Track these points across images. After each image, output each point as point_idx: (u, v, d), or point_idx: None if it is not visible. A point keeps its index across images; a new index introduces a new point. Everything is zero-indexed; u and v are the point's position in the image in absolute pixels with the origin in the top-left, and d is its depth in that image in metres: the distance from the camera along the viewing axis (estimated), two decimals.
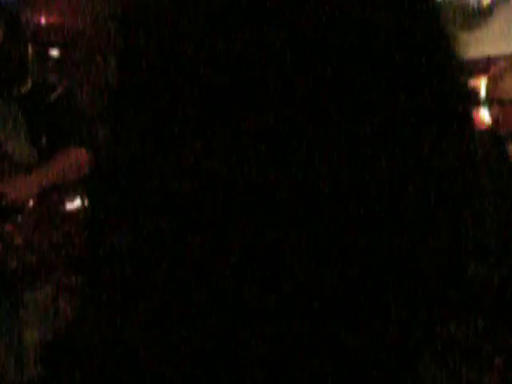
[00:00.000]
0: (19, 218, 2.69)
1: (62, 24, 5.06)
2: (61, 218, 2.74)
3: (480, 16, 5.13)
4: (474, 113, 0.63)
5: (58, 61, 5.03)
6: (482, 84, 3.35)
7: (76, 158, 2.86)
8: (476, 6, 5.12)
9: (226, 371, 0.54)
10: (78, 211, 2.80)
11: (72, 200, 2.81)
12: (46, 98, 2.86)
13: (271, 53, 0.55)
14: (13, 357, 2.79)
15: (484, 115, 3.42)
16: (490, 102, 3.20)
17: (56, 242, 2.70)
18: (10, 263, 2.62)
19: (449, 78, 0.59)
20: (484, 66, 3.33)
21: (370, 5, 0.55)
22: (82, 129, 2.91)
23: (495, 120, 3.21)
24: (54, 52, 5.10)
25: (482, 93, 3.29)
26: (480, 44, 5.05)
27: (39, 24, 4.92)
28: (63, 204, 2.79)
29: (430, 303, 0.57)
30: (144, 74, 0.57)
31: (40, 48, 4.73)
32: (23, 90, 2.82)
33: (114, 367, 0.55)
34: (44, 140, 2.84)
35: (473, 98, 0.59)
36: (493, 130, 3.27)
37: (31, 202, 2.74)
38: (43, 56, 4.87)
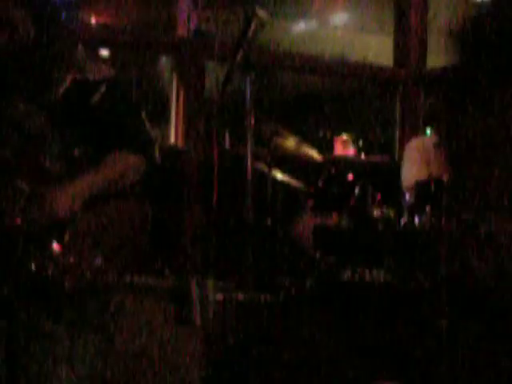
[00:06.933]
0: (67, 235, 2.50)
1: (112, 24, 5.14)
2: (113, 225, 2.55)
3: None
4: None
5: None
6: None
7: (130, 163, 2.62)
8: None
9: None
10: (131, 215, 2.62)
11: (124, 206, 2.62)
12: (88, 100, 2.61)
13: None
14: None
15: None
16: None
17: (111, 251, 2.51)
18: (67, 284, 2.44)
19: None
20: None
21: None
22: (135, 131, 2.65)
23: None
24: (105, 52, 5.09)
25: None
26: None
27: (89, 23, 4.97)
28: (113, 211, 2.58)
29: None
30: None
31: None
32: (58, 92, 2.59)
33: None
34: (77, 148, 2.60)
35: None
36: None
37: (78, 215, 2.54)
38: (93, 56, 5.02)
